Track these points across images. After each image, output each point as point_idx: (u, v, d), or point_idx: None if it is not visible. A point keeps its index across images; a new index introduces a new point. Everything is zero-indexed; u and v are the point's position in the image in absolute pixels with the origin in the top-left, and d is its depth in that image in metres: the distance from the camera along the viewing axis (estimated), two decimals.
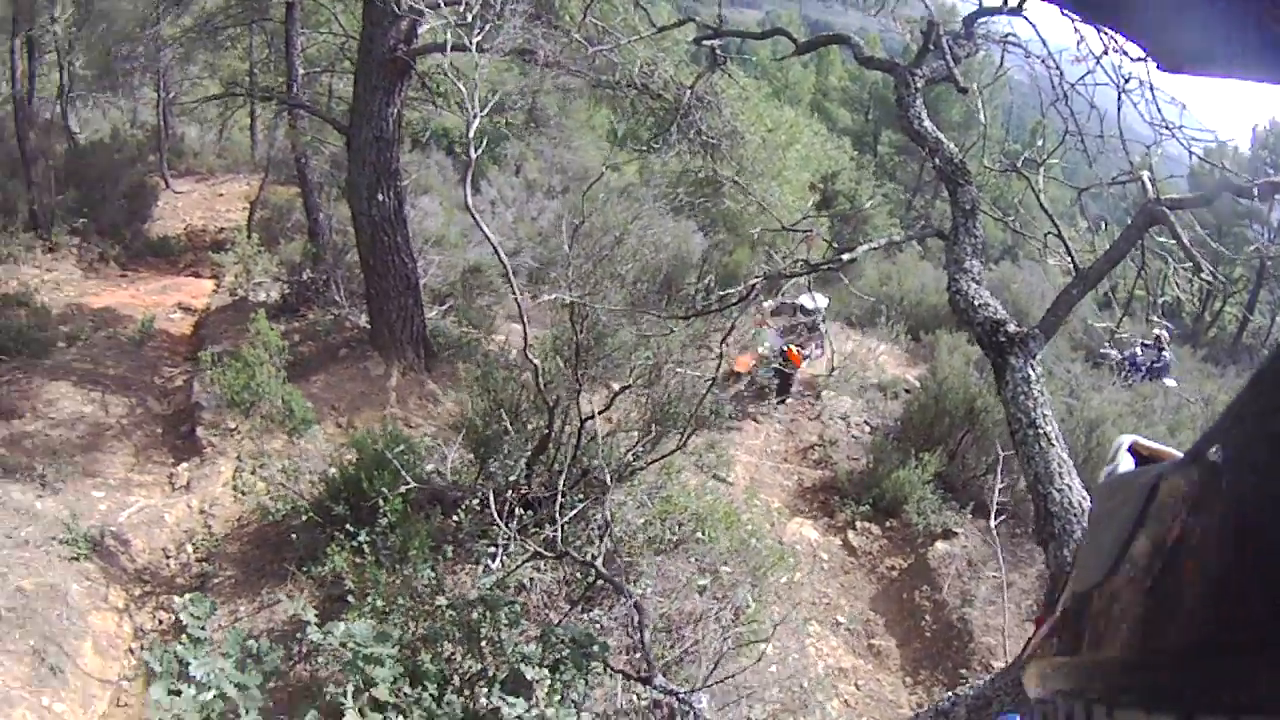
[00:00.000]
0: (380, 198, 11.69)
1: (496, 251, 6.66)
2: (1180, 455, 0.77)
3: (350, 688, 4.77)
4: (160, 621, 7.51)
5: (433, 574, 6.08)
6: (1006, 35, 7.04)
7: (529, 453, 7.40)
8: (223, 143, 28.73)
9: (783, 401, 14.79)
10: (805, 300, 14.56)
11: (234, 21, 17.50)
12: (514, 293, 6.67)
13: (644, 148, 14.92)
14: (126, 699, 6.78)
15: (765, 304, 15.25)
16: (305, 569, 6.90)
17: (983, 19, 6.92)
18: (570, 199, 19.27)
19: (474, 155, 6.30)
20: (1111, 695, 0.66)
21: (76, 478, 9.11)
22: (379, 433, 7.84)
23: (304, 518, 7.22)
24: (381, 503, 6.74)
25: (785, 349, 14.50)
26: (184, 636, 4.65)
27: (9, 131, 19.15)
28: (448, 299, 15.20)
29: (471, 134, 6.21)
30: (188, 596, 4.59)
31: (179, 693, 4.50)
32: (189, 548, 8.41)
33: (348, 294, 14.13)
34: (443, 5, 9.70)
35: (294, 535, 7.33)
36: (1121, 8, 1.18)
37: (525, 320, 6.64)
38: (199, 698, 4.50)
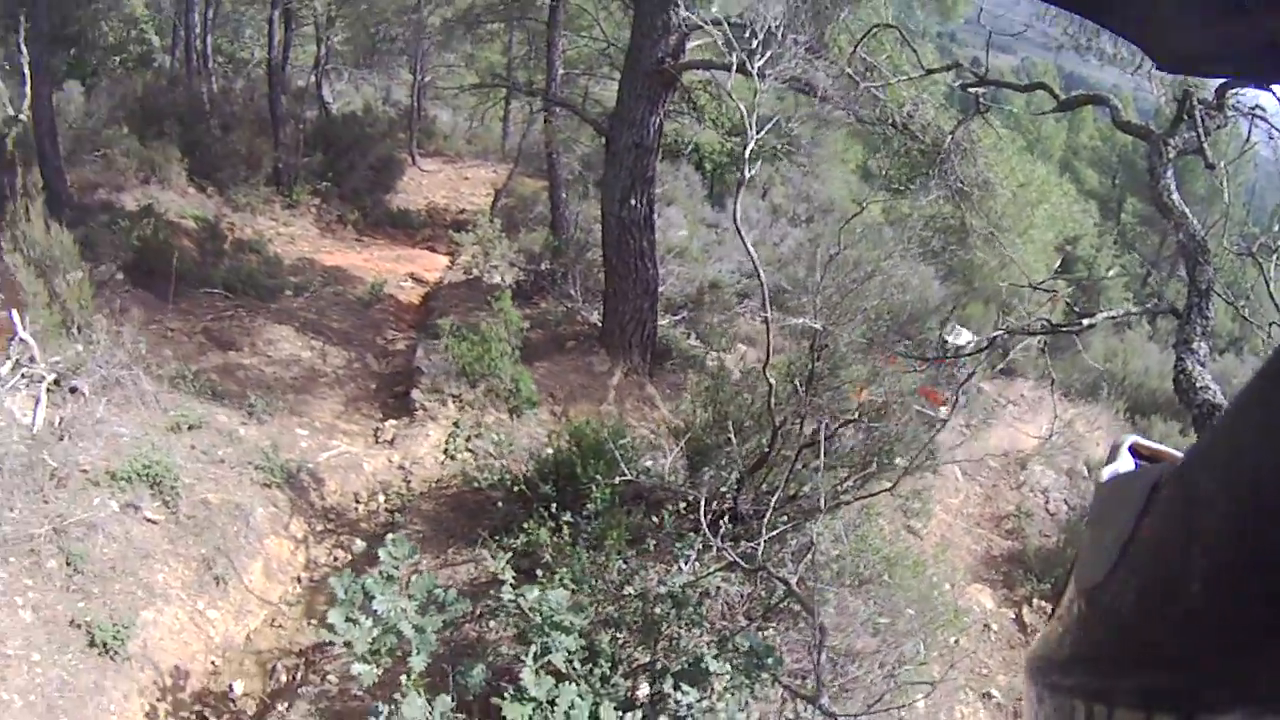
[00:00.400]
0: (632, 202, 11.96)
1: (757, 272, 6.84)
2: (1182, 455, 0.76)
3: (535, 649, 4.84)
4: (335, 559, 7.86)
5: (625, 565, 6.21)
6: (1254, 108, 6.77)
7: (744, 468, 7.43)
8: (474, 129, 29.91)
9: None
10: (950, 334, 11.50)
11: (497, 18, 18.27)
12: (766, 311, 6.81)
13: (897, 188, 14.69)
14: (282, 622, 7.12)
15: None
16: (498, 538, 7.07)
17: (1233, 90, 6.58)
18: (815, 228, 19.38)
19: (747, 176, 6.65)
20: (1112, 694, 0.65)
21: (284, 414, 9.62)
22: (601, 424, 7.99)
23: (512, 489, 7.38)
24: (593, 489, 6.90)
25: (922, 389, 11.36)
26: (377, 571, 4.81)
27: (261, 93, 20.62)
28: (681, 310, 15.37)
29: (748, 154, 6.53)
30: (390, 537, 4.75)
31: (356, 622, 4.65)
32: (381, 497, 8.76)
33: (583, 290, 14.48)
34: (711, 25, 9.92)
35: (498, 504, 7.48)
36: (1118, 6, 1.03)
37: (770, 339, 6.78)
38: (373, 629, 4.64)
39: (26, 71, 13.84)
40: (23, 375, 7.51)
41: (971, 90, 8.73)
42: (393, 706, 4.59)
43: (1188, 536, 0.61)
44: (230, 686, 6.43)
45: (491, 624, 6.16)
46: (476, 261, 16.06)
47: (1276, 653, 0.48)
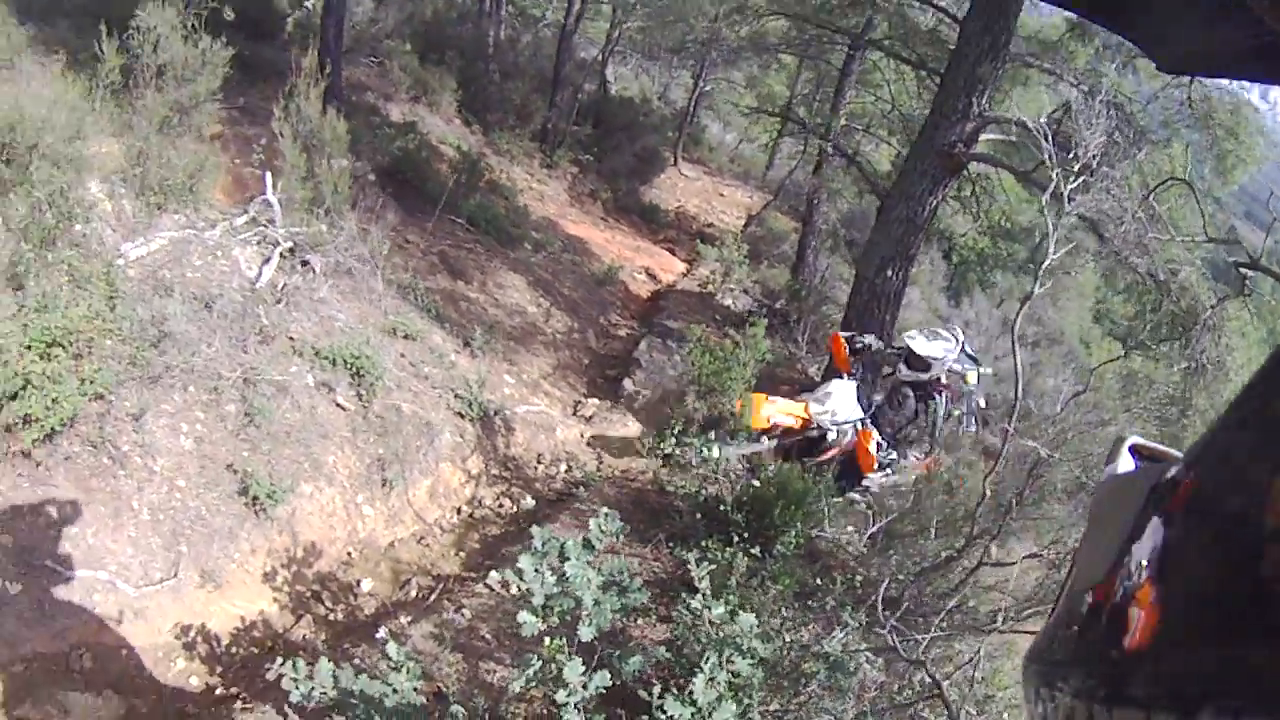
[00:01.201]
0: (889, 273, 12.04)
1: (1016, 387, 7.06)
2: (1181, 456, 0.80)
3: (712, 661, 4.83)
4: (501, 506, 8.03)
5: (787, 613, 6.20)
6: None
7: (928, 563, 7.34)
8: (739, 149, 30.36)
9: (842, 492, 9.15)
10: (921, 343, 8.81)
11: (792, 50, 18.44)
12: (1009, 425, 7.15)
13: (1140, 345, 14.21)
14: (430, 543, 7.30)
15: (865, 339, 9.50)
16: (672, 546, 7.15)
17: None
18: (1040, 354, 18.92)
19: (1035, 292, 7.30)
20: (1112, 694, 0.67)
21: (496, 357, 9.87)
22: (805, 475, 8.07)
23: (703, 506, 7.51)
24: (781, 533, 7.11)
25: (859, 427, 8.98)
26: (581, 537, 4.87)
27: (545, 53, 21.38)
28: None
29: (1042, 270, 6.91)
30: (604, 512, 4.77)
31: (540, 573, 4.69)
32: (563, 466, 8.95)
33: (808, 341, 14.84)
34: (1013, 124, 10.24)
35: (681, 515, 7.58)
36: (1121, 8, 1.16)
37: (1003, 451, 7.33)
38: (555, 587, 4.68)
39: None
40: (259, 233, 7.93)
41: (1241, 269, 9.00)
42: (541, 664, 4.65)
43: (1188, 538, 0.66)
44: (358, 581, 6.66)
45: (640, 622, 6.20)
46: (714, 278, 16.21)
47: (1276, 653, 0.50)
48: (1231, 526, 0.61)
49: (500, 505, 8.01)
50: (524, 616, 4.49)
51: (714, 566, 5.87)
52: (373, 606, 6.55)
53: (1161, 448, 1.05)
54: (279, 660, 4.37)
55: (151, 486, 6.01)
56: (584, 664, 4.45)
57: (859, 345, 9.42)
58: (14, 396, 5.53)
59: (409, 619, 6.07)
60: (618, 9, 21.01)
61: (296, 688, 4.30)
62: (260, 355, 6.99)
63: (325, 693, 4.36)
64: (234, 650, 5.88)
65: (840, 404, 9.13)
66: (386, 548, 7.02)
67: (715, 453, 8.60)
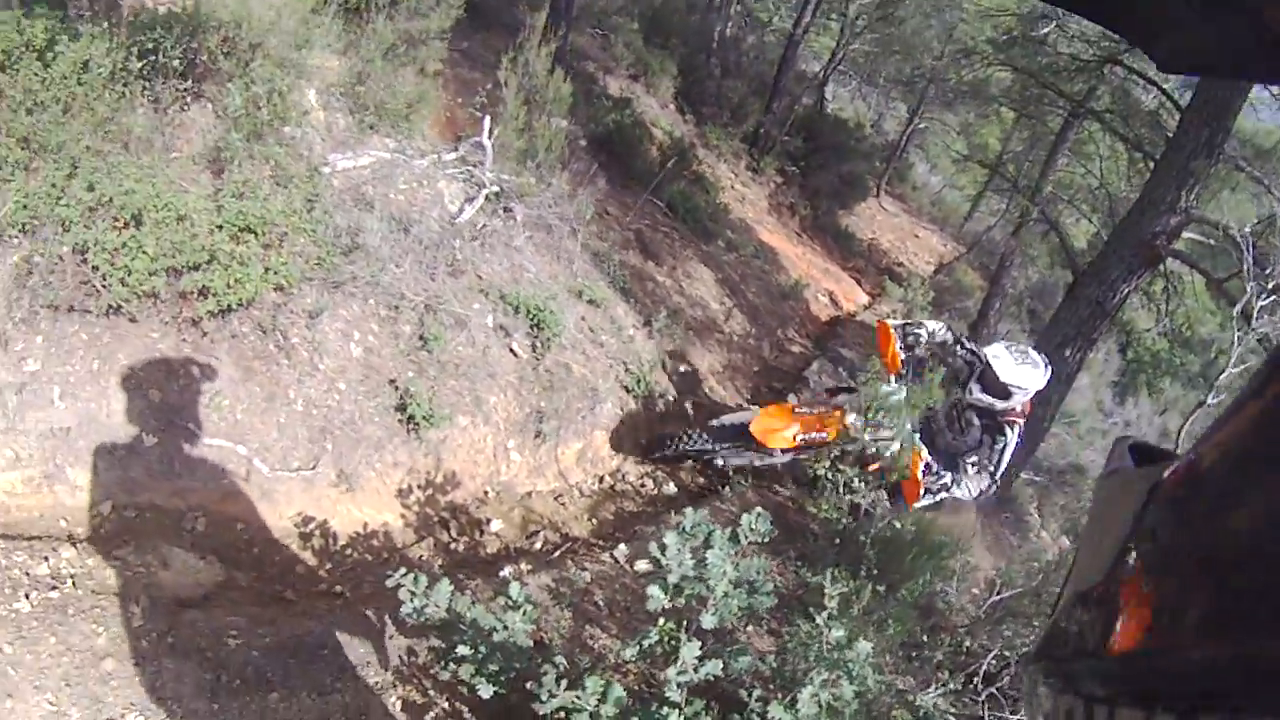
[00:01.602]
0: (1067, 353, 11.92)
1: None
2: (1181, 456, 0.78)
3: (821, 679, 4.74)
4: (643, 486, 8.15)
5: (889, 658, 6.37)
6: None
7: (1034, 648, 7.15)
8: (942, 194, 30.10)
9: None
10: (1008, 365, 7.46)
11: (1012, 105, 18.47)
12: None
13: None
14: (565, 502, 7.50)
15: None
16: (799, 565, 7.10)
17: None
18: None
19: (1209, 402, 7.54)
20: (1112, 695, 0.67)
21: (672, 341, 9.94)
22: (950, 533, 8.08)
23: (841, 533, 7.55)
24: (906, 581, 7.12)
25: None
26: (730, 529, 4.80)
27: (768, 59, 21.51)
28: (1041, 474, 15.42)
29: (1217, 383, 6.58)
30: (757, 511, 4.74)
31: (681, 553, 4.63)
32: None
33: None
34: (1219, 229, 10.12)
35: (816, 538, 7.66)
36: (1120, 9, 1.15)
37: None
38: (691, 570, 4.61)
39: None
40: (466, 172, 8.10)
41: None
42: (658, 639, 4.60)
43: (1186, 539, 0.66)
44: (488, 520, 6.79)
45: (750, 628, 6.21)
46: (894, 317, 15.94)
47: (1275, 654, 0.49)
48: (1230, 526, 0.60)
49: (642, 484, 8.08)
50: (654, 590, 4.51)
51: (844, 591, 5.77)
52: (495, 547, 6.67)
53: (1162, 448, 1.03)
54: (400, 571, 4.47)
55: (312, 382, 6.24)
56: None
57: (914, 338, 7.70)
58: (196, 268, 5.79)
59: (529, 567, 6.18)
60: (845, 28, 20.91)
61: (412, 600, 4.42)
62: (446, 286, 7.16)
63: (436, 611, 4.47)
64: (348, 552, 6.08)
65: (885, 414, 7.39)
66: (523, 496, 7.13)
67: (720, 463, 8.13)
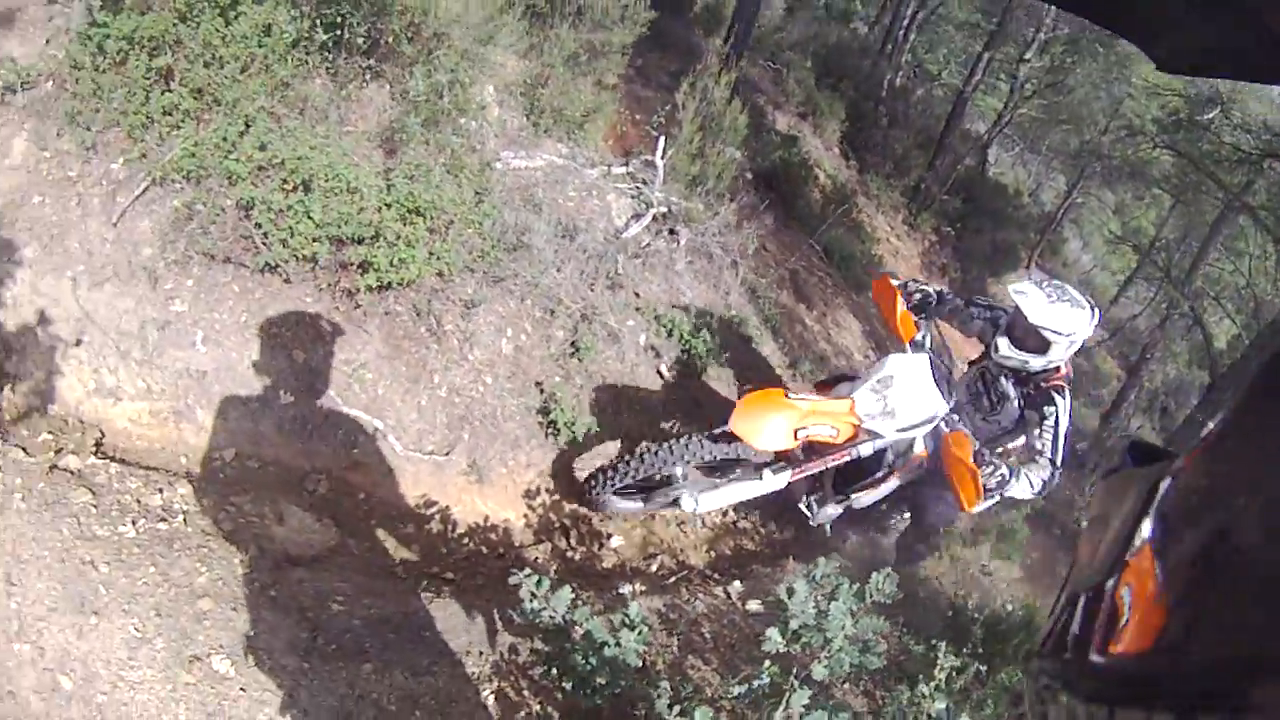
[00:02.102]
0: None
1: None
2: (1180, 456, 0.80)
3: None
4: (765, 525, 8.02)
5: None
6: None
7: None
8: (1090, 273, 29.71)
9: (917, 557, 7.72)
10: (1039, 303, 5.69)
11: (1169, 190, 18.72)
12: None
13: None
14: (687, 529, 7.38)
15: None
16: (904, 631, 7.04)
17: None
18: None
19: None
20: (1112, 694, 0.68)
21: (812, 390, 9.80)
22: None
23: (953, 598, 7.51)
24: (1010, 670, 6.77)
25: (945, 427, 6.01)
26: (855, 585, 4.79)
27: (934, 113, 21.45)
28: None
29: None
30: (887, 571, 4.75)
31: (807, 600, 4.62)
32: None
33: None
34: None
35: (924, 606, 7.58)
36: (1120, 9, 1.17)
37: None
38: (811, 618, 4.59)
39: None
40: (635, 189, 8.22)
41: None
42: (768, 682, 4.60)
43: (1186, 539, 0.66)
44: (609, 536, 6.88)
45: (846, 685, 6.11)
46: None
47: (1274, 654, 0.51)
48: (1229, 526, 0.60)
49: (765, 524, 8.02)
50: (772, 633, 4.61)
51: (954, 664, 5.67)
52: (611, 562, 6.73)
53: (1161, 448, 1.02)
54: (524, 571, 4.56)
55: (459, 370, 6.43)
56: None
57: (921, 294, 6.35)
58: (360, 241, 6.00)
59: (643, 588, 6.23)
60: (1014, 90, 20.69)
61: (531, 600, 4.51)
62: (604, 299, 7.28)
63: (552, 616, 4.54)
64: (466, 541, 6.21)
65: (908, 393, 5.81)
66: (647, 518, 7.09)
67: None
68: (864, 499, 6.44)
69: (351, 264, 6.03)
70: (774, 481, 6.05)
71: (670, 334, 7.57)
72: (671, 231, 8.26)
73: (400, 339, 6.27)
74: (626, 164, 8.35)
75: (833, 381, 6.70)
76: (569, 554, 6.55)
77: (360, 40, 6.92)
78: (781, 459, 6.13)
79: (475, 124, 7.23)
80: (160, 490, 5.53)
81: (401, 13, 7.13)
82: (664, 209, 8.23)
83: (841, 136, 17.71)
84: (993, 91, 23.80)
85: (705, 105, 8.88)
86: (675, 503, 6.16)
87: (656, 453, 5.97)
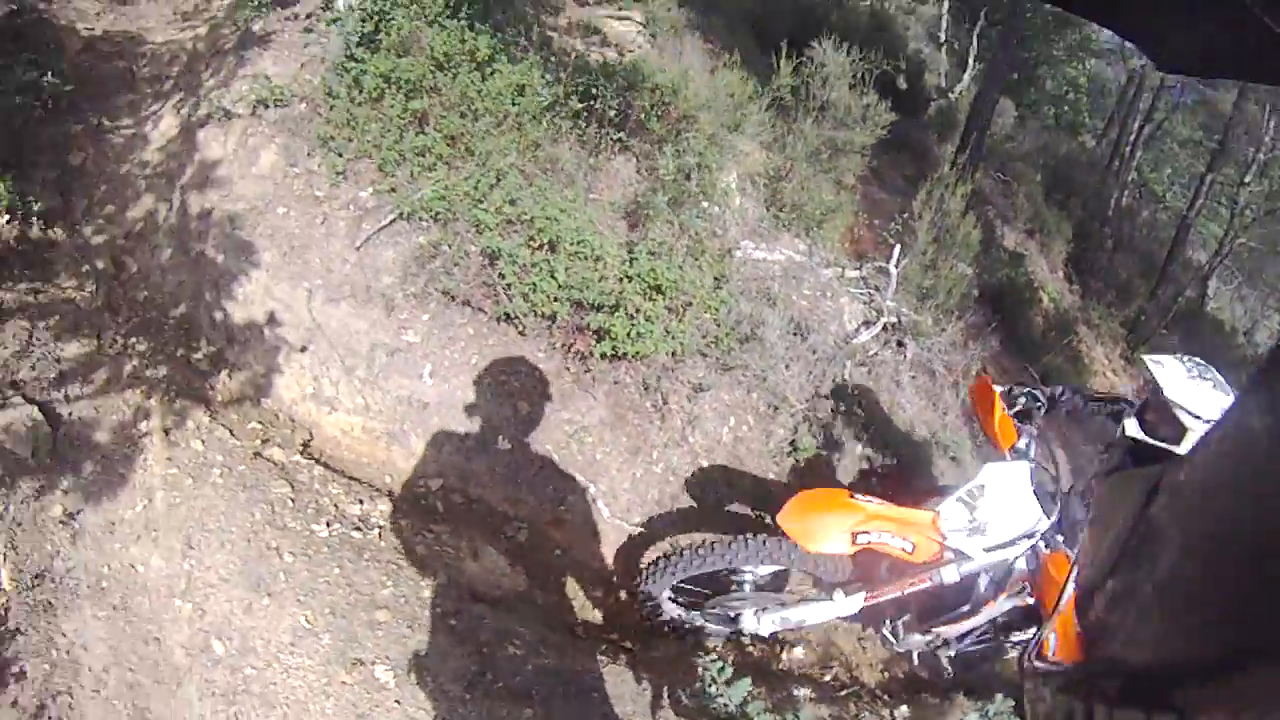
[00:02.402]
0: None
1: None
2: (1180, 455, 0.99)
3: None
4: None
5: None
6: None
7: None
8: None
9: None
10: (1179, 381, 4.61)
11: None
12: None
13: None
14: (866, 644, 7.22)
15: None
16: None
17: None
18: None
19: None
20: (1112, 694, 0.69)
21: None
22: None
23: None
24: None
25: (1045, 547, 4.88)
26: None
27: (1158, 238, 21.29)
28: None
29: None
30: None
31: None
32: None
33: None
34: None
35: None
36: (1120, 9, 1.16)
37: None
38: None
39: (970, 59, 14.99)
40: (867, 295, 8.23)
41: None
42: None
43: (1186, 538, 0.67)
44: (792, 645, 6.77)
45: None
46: None
47: (1273, 655, 0.51)
48: (1228, 527, 0.60)
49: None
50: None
51: None
52: (788, 664, 6.67)
53: (1161, 448, 1.11)
54: (710, 656, 4.81)
55: (678, 451, 6.49)
56: None
57: (1028, 399, 5.51)
58: (599, 308, 6.16)
59: (813, 695, 6.15)
60: (1234, 216, 19.99)
61: (711, 686, 4.64)
62: (826, 403, 7.27)
63: (725, 705, 4.64)
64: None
65: (1002, 506, 4.96)
66: (830, 628, 7.02)
67: (748, 624, 5.38)
68: (949, 632, 5.50)
69: (588, 329, 6.20)
70: (845, 605, 5.31)
71: (886, 446, 7.50)
72: (899, 344, 8.21)
73: (625, 410, 6.40)
74: (860, 268, 8.35)
75: (930, 494, 5.56)
76: (749, 647, 6.50)
77: (611, 112, 7.17)
78: (858, 579, 5.44)
79: (718, 209, 7.37)
80: (360, 501, 5.84)
81: (652, 90, 7.35)
82: (894, 319, 8.23)
83: (1066, 258, 17.39)
84: (1215, 217, 23.07)
85: (940, 216, 8.85)
86: (735, 619, 5.57)
87: (720, 546, 5.28)
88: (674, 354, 6.44)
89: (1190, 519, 0.71)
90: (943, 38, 17.01)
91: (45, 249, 6.79)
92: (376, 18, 7.16)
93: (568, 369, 6.33)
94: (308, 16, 7.98)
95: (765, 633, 5.48)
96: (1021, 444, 5.14)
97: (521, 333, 6.34)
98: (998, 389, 5.39)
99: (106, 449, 5.63)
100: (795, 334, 7.22)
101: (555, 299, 6.15)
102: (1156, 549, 0.74)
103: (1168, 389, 4.61)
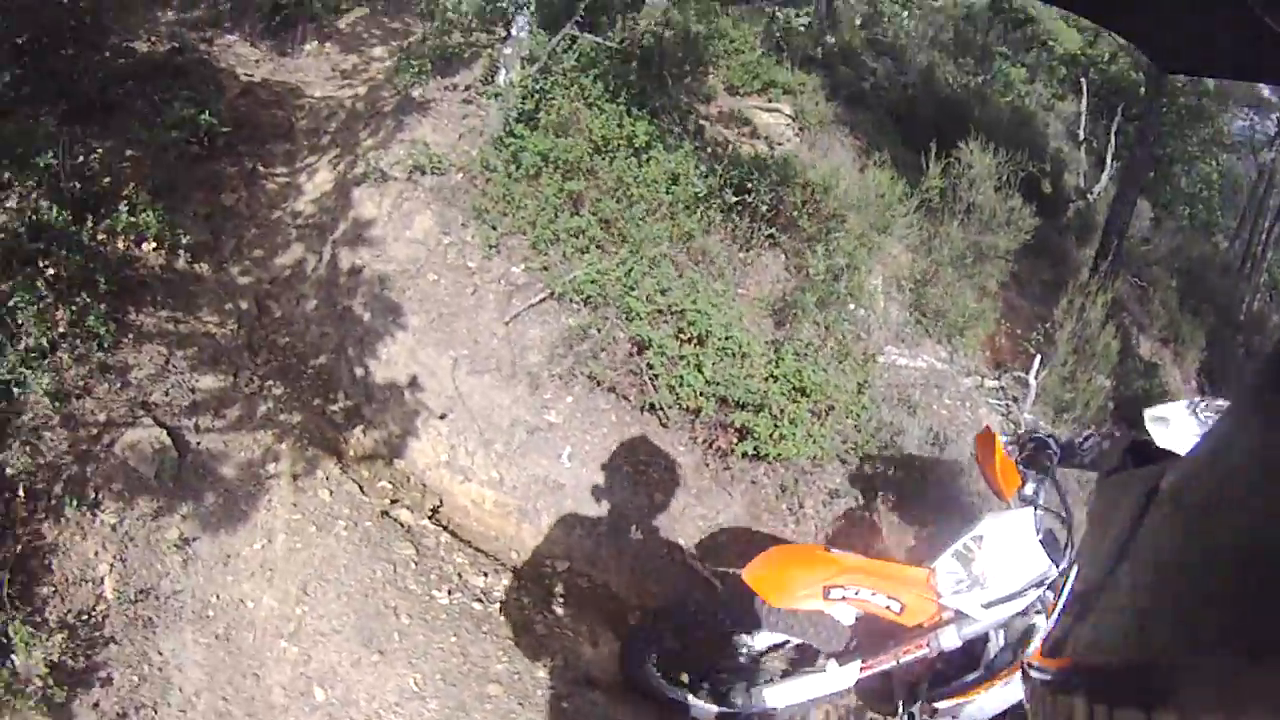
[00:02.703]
0: None
1: None
2: (1181, 455, 0.82)
3: None
4: None
5: None
6: None
7: None
8: None
9: None
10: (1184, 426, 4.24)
11: None
12: None
13: None
14: None
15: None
16: None
17: None
18: None
19: None
20: (1112, 694, 0.69)
21: None
22: None
23: None
24: None
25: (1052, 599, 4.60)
26: None
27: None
28: None
29: None
30: None
31: None
32: None
33: None
34: None
35: None
36: (1119, 9, 1.16)
37: None
38: None
39: (1109, 157, 14.82)
40: (1005, 405, 8.25)
41: None
42: None
43: (1186, 539, 0.69)
44: None
45: None
46: None
47: (1273, 655, 0.50)
48: (1228, 528, 0.61)
49: None
50: None
51: None
52: None
53: (1161, 448, 1.06)
54: None
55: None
56: None
57: (1034, 445, 4.94)
58: (744, 406, 6.22)
59: None
60: None
61: None
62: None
63: None
64: None
65: (1002, 556, 4.60)
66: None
67: (739, 702, 5.07)
68: (958, 709, 4.74)
69: (732, 426, 6.25)
70: (839, 676, 4.87)
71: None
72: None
73: (760, 510, 6.41)
74: (999, 378, 8.40)
75: (1028, 447, 4.99)
76: None
77: (764, 207, 7.23)
78: (855, 650, 4.97)
79: (863, 311, 7.43)
80: (485, 574, 5.94)
81: (803, 186, 7.42)
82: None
83: (1199, 367, 17.03)
84: None
85: (1080, 326, 8.81)
86: (726, 698, 5.17)
87: (705, 613, 5.12)
88: (813, 458, 6.44)
89: (1189, 519, 0.71)
90: (1081, 135, 16.84)
91: (190, 282, 7.01)
92: (537, 96, 7.41)
93: (707, 465, 6.37)
94: (466, 88, 8.22)
95: (757, 711, 5.05)
96: (1028, 490, 4.79)
97: (664, 424, 6.42)
98: (1002, 437, 5.02)
99: (231, 483, 5.78)
100: (933, 444, 7.22)
101: (701, 394, 6.22)
102: (1156, 549, 0.75)
103: (1160, 438, 4.18)
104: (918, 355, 7.80)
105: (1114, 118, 16.39)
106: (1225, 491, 0.66)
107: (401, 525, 6.03)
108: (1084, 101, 17.13)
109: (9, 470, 5.10)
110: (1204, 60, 1.21)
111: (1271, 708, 0.52)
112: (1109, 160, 16.17)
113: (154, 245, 6.94)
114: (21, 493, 5.07)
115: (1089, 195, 16.17)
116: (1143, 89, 15.69)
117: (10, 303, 5.55)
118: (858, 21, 8.71)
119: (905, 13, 6.93)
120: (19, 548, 4.88)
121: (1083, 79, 17.39)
